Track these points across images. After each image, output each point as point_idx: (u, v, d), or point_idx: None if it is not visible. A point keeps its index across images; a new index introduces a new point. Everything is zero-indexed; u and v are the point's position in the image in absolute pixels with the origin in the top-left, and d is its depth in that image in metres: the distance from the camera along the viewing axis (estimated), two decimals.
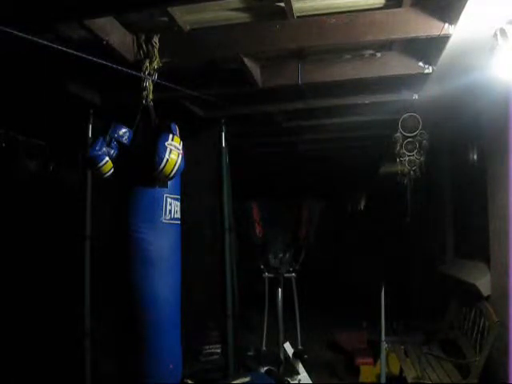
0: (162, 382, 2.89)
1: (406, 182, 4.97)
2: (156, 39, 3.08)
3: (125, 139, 2.99)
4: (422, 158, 4.75)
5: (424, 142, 4.70)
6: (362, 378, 4.75)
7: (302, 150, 7.14)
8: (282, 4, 2.75)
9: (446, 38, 2.82)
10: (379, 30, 2.86)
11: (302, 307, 4.87)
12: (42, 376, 3.92)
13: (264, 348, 4.63)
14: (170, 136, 2.79)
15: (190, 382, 3.66)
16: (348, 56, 3.60)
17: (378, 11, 2.86)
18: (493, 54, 2.68)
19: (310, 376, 4.33)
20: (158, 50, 3.08)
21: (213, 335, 4.59)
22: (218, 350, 4.53)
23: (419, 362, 3.89)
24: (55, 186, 4.74)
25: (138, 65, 3.09)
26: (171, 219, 2.98)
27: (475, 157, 4.66)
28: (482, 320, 3.83)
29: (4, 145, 4.23)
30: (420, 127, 4.57)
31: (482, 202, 4.13)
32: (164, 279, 2.93)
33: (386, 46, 3.45)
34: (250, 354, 5.05)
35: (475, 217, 4.61)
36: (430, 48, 3.24)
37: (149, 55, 3.08)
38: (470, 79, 3.27)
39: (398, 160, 4.86)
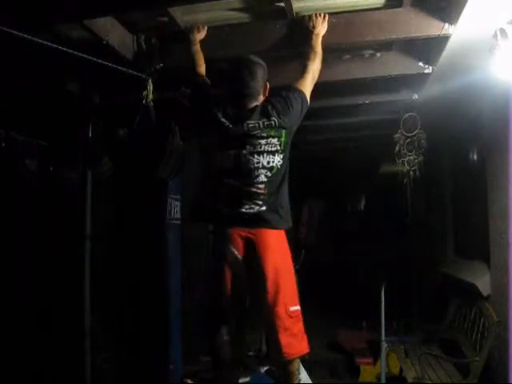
0: (163, 382, 2.90)
1: (405, 181, 4.97)
2: (156, 39, 3.09)
3: (125, 139, 3.00)
4: (420, 158, 4.75)
5: (422, 141, 4.69)
6: (362, 378, 4.75)
7: (302, 150, 7.13)
8: (282, 4, 2.75)
9: (446, 38, 2.81)
10: (379, 29, 2.85)
11: (302, 307, 4.86)
12: (42, 376, 3.91)
13: (264, 348, 4.62)
14: (170, 136, 2.80)
15: (189, 382, 3.65)
16: (348, 56, 3.59)
17: (377, 11, 2.86)
18: (493, 54, 2.68)
19: (310, 376, 4.33)
20: (158, 50, 3.09)
21: None
22: None
23: (419, 361, 3.88)
24: (55, 186, 4.72)
25: (137, 65, 3.09)
26: (171, 219, 2.99)
27: (475, 157, 4.66)
28: (482, 320, 3.83)
29: (4, 145, 4.22)
30: (419, 127, 4.56)
31: (482, 202, 4.13)
32: (164, 279, 2.94)
33: (385, 45, 3.44)
34: (250, 354, 5.04)
35: (475, 217, 4.61)
36: (429, 48, 3.23)
37: (149, 55, 3.09)
38: (469, 79, 3.27)
39: (397, 160, 4.86)
